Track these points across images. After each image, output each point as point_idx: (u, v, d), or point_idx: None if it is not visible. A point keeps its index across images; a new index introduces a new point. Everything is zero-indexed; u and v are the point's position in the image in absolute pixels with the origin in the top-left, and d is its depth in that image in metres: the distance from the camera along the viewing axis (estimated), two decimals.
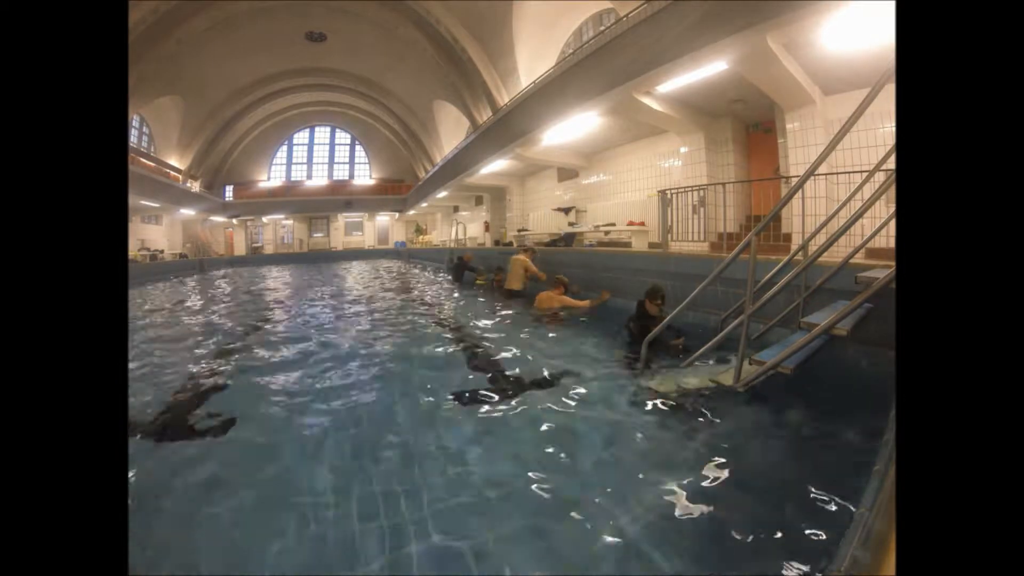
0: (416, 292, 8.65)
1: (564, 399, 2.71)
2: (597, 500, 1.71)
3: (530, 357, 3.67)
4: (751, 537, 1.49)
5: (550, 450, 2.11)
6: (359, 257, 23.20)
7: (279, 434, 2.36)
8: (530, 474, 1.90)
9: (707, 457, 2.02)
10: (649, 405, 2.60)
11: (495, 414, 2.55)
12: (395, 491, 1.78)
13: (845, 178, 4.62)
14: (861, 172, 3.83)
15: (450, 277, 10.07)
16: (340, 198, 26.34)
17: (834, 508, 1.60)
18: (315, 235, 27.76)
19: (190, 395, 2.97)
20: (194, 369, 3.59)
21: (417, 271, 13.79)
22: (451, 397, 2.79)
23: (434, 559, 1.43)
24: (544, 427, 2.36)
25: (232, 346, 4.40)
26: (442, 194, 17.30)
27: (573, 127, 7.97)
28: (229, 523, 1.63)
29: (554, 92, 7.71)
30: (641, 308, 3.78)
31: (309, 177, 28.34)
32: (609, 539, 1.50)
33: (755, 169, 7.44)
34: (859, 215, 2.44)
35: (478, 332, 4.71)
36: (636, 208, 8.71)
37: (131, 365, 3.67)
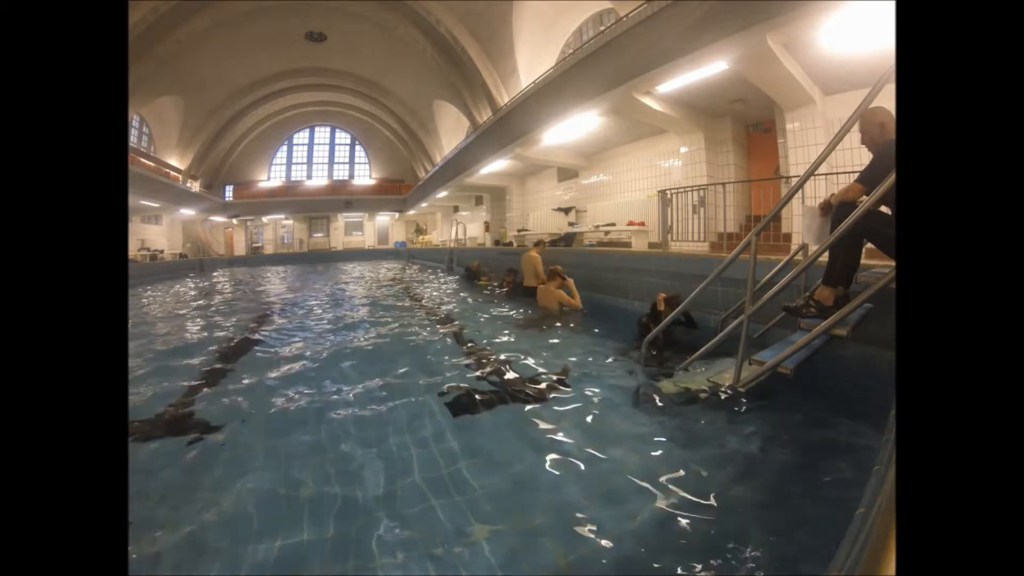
0: (416, 291, 8.64)
1: (563, 399, 2.71)
2: (596, 501, 1.71)
3: (529, 357, 3.66)
4: (751, 537, 1.49)
5: (548, 451, 2.11)
6: (359, 257, 23.19)
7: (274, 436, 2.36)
8: (528, 475, 1.90)
9: (706, 457, 2.02)
10: (648, 405, 2.60)
11: (492, 416, 2.55)
12: (387, 490, 1.78)
13: (845, 178, 4.62)
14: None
15: (449, 276, 10.11)
16: (340, 198, 26.32)
17: (834, 508, 1.60)
18: (315, 235, 27.75)
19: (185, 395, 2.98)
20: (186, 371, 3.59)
21: (427, 276, 13.76)
22: (447, 399, 2.78)
23: (431, 559, 1.43)
24: (542, 428, 2.35)
25: (231, 346, 4.40)
26: (442, 194, 17.29)
27: (573, 127, 7.97)
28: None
29: (554, 92, 7.71)
30: (655, 309, 3.79)
31: (309, 177, 28.33)
32: (607, 540, 1.50)
33: (755, 169, 7.44)
34: (859, 215, 2.44)
35: (478, 332, 4.71)
36: (636, 208, 8.71)
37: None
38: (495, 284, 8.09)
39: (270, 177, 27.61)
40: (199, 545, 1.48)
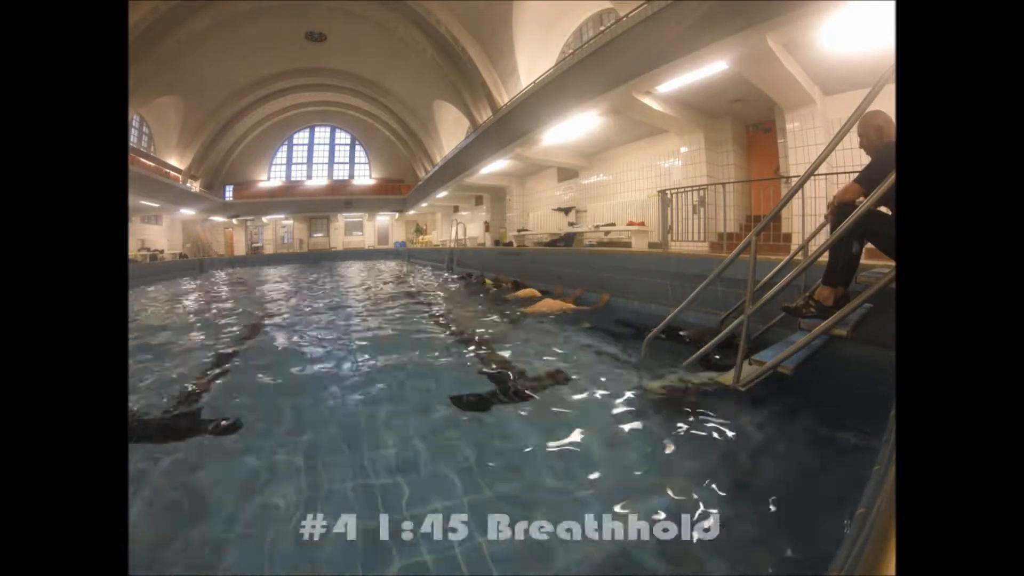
0: (416, 291, 8.64)
1: (562, 399, 2.71)
2: (595, 501, 1.71)
3: (529, 357, 3.66)
4: (750, 537, 1.49)
5: (546, 452, 2.11)
6: (359, 257, 23.20)
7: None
8: (526, 476, 1.90)
9: (706, 457, 2.02)
10: (648, 405, 2.60)
11: (492, 415, 2.55)
12: (390, 485, 1.78)
13: (845, 178, 4.62)
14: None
15: (453, 276, 10.13)
16: (340, 198, 26.34)
17: (834, 508, 1.60)
18: (315, 235, 27.76)
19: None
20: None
21: (426, 274, 13.76)
22: (449, 400, 2.77)
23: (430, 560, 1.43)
24: (541, 428, 2.35)
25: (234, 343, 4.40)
26: (442, 194, 17.31)
27: (573, 127, 7.98)
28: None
29: (554, 92, 7.72)
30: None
31: (309, 177, 28.33)
32: (608, 541, 1.50)
33: (755, 169, 7.45)
34: (858, 215, 2.44)
35: (478, 332, 4.70)
36: (636, 208, 8.72)
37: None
38: (503, 284, 7.93)
39: (270, 177, 27.61)
40: None
